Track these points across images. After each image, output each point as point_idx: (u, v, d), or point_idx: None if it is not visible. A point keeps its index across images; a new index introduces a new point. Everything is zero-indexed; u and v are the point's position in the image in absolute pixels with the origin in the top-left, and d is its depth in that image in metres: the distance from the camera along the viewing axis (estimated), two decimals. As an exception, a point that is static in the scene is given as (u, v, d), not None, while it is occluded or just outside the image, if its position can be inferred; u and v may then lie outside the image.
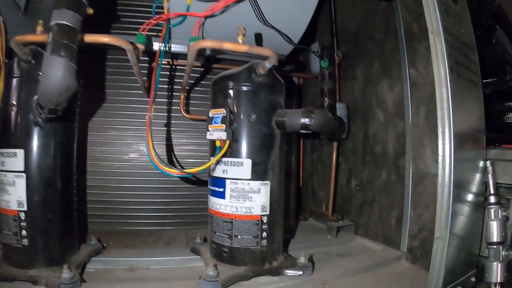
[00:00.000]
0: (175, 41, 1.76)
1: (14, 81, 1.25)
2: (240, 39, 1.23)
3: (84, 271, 1.36)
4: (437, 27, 1.32)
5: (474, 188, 1.43)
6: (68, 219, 1.36)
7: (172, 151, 2.00)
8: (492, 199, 1.42)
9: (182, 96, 1.87)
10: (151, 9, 1.61)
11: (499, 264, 1.38)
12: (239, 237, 1.31)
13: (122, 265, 1.45)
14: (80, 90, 1.43)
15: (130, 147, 1.95)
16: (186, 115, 1.91)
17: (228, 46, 1.19)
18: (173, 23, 1.57)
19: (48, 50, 0.99)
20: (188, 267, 1.48)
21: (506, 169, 1.49)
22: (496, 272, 1.38)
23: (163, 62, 1.79)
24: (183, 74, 1.69)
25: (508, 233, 1.45)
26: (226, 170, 1.32)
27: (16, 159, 1.22)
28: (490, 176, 1.43)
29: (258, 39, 1.67)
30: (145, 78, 1.66)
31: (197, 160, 2.01)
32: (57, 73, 0.97)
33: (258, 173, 1.31)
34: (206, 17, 1.50)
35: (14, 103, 1.24)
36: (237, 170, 1.30)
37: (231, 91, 1.33)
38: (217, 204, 1.34)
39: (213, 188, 1.37)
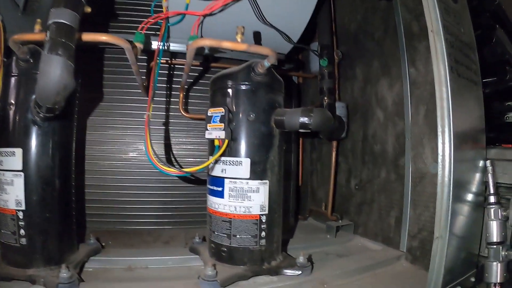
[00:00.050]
0: (174, 40, 1.76)
1: (13, 80, 1.24)
2: (238, 38, 1.23)
3: (83, 271, 1.36)
4: (437, 26, 1.32)
5: (474, 187, 1.42)
6: (67, 218, 1.35)
7: (171, 151, 1.99)
8: (492, 198, 1.42)
9: (181, 95, 1.86)
10: (149, 8, 1.60)
11: (499, 264, 1.38)
12: (238, 236, 1.30)
13: (121, 264, 1.44)
14: (79, 89, 1.43)
15: (129, 147, 1.94)
16: (185, 114, 1.90)
17: (226, 44, 1.19)
18: (172, 22, 1.56)
19: (45, 49, 0.98)
20: (187, 267, 1.47)
21: (506, 168, 1.49)
22: (496, 272, 1.37)
23: (162, 61, 1.79)
24: (182, 73, 1.68)
25: (508, 233, 1.45)
26: (225, 170, 1.31)
27: (14, 158, 1.21)
28: (490, 175, 1.42)
29: (257, 38, 1.66)
30: (144, 77, 1.66)
31: (196, 160, 2.00)
32: (54, 72, 0.97)
33: (257, 173, 1.30)
34: (205, 16, 1.50)
35: (12, 102, 1.23)
36: (236, 169, 1.30)
37: (230, 90, 1.33)
38: (215, 204, 1.34)
39: (211, 187, 1.37)
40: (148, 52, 1.77)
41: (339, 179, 2.16)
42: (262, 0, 1.53)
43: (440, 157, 1.28)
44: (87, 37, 1.15)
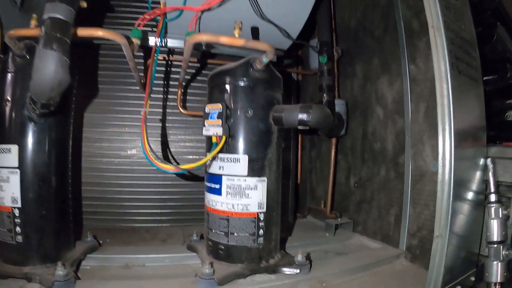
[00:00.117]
0: (172, 36, 1.75)
1: (9, 76, 1.23)
2: (236, 33, 1.21)
3: (80, 268, 1.35)
4: (437, 22, 1.31)
5: (474, 186, 1.41)
6: (63, 215, 1.34)
7: (169, 148, 1.98)
8: (493, 197, 1.41)
9: (179, 92, 1.85)
10: (147, 4, 1.59)
11: (499, 263, 1.37)
12: (235, 234, 1.29)
13: (118, 262, 1.44)
14: (76, 86, 1.42)
15: (127, 144, 1.94)
16: (183, 111, 1.89)
17: (224, 40, 1.17)
18: (170, 18, 1.55)
19: (40, 44, 0.97)
20: (184, 265, 1.46)
21: (507, 167, 1.48)
22: (496, 271, 1.37)
23: (159, 58, 1.78)
24: (180, 70, 1.67)
25: (508, 232, 1.44)
26: (223, 167, 1.30)
27: (10, 155, 1.20)
28: (490, 174, 1.42)
29: (255, 33, 1.65)
30: (141, 74, 1.65)
31: (195, 157, 1.99)
32: (49, 67, 0.96)
33: (255, 170, 1.29)
34: (202, 11, 1.48)
35: (9, 98, 1.22)
36: (233, 167, 1.29)
37: (227, 86, 1.31)
38: (213, 201, 1.33)
39: (209, 184, 1.35)
40: (146, 48, 1.76)
41: (338, 177, 2.15)
42: (261, -5, 1.52)
43: (440, 155, 1.27)
44: (83, 32, 1.13)
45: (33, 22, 1.23)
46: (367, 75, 1.95)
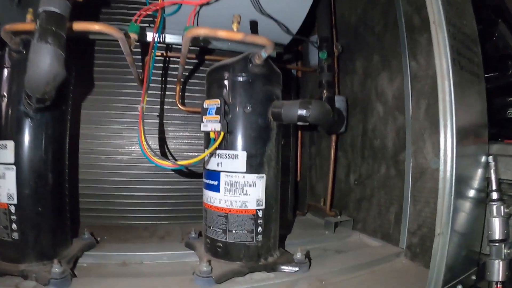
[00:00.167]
0: (170, 31, 1.73)
1: (5, 71, 1.22)
2: (234, 27, 1.20)
3: (77, 266, 1.34)
4: (439, 17, 1.28)
5: (476, 183, 1.39)
6: (60, 212, 1.34)
7: (168, 145, 1.96)
8: (495, 195, 1.40)
9: (178, 88, 1.83)
10: (145, -2, 1.57)
11: (501, 262, 1.36)
12: (233, 231, 1.28)
13: (115, 259, 1.43)
14: (73, 82, 1.41)
15: (126, 140, 1.91)
16: (181, 108, 1.87)
17: (222, 34, 1.15)
18: (168, 13, 1.53)
19: (35, 38, 0.96)
20: (182, 262, 1.46)
21: (509, 164, 1.47)
22: (498, 270, 1.35)
23: (157, 54, 1.77)
24: (178, 66, 1.65)
25: (510, 231, 1.42)
26: (221, 163, 1.29)
27: (6, 151, 1.19)
28: (492, 171, 1.40)
29: (254, 28, 1.63)
30: (140, 71, 1.63)
31: (194, 154, 1.97)
32: (44, 61, 0.94)
33: (253, 166, 1.28)
34: (201, 5, 1.47)
35: (5, 94, 1.21)
36: (231, 163, 1.27)
37: (226, 82, 1.30)
38: (211, 198, 1.32)
39: (207, 181, 1.34)
40: (144, 44, 1.74)
41: (338, 174, 2.15)
42: (260, -10, 1.50)
43: (442, 151, 1.25)
44: (79, 26, 1.12)
45: (29, 16, 1.23)
46: (367, 72, 1.93)
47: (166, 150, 1.95)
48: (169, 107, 1.93)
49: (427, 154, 1.51)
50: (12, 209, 1.19)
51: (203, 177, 1.38)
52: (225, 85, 1.30)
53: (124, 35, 1.21)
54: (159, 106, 1.92)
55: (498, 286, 1.36)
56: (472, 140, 1.40)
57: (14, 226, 1.19)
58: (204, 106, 1.29)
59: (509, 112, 1.97)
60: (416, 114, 1.58)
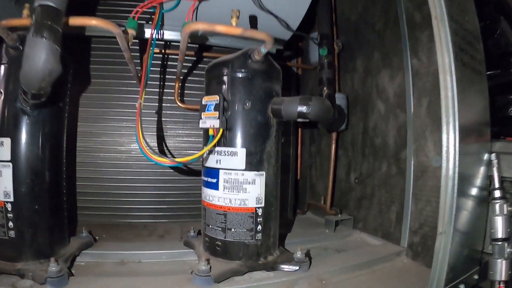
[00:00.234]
0: (168, 28, 1.72)
1: (2, 67, 1.21)
2: (233, 22, 1.18)
3: (74, 264, 1.33)
4: (440, 13, 1.27)
5: (478, 182, 1.38)
6: (57, 211, 1.33)
7: (167, 142, 1.96)
8: (497, 193, 1.38)
9: (177, 86, 1.81)
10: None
11: (503, 261, 1.34)
12: (233, 230, 1.27)
13: (113, 258, 1.42)
14: (70, 79, 1.40)
15: (124, 138, 1.91)
16: (181, 105, 1.86)
17: (220, 28, 1.13)
18: (166, 9, 1.52)
19: (30, 32, 0.94)
20: (181, 261, 1.45)
21: (512, 162, 1.45)
22: (500, 269, 1.34)
23: (156, 50, 1.75)
24: (177, 63, 1.64)
25: (513, 229, 1.41)
26: (220, 160, 1.27)
27: (2, 148, 1.18)
28: (495, 169, 1.39)
29: (253, 23, 1.62)
30: (138, 68, 1.62)
31: (194, 152, 1.94)
32: (39, 56, 0.93)
33: (253, 164, 1.26)
34: (200, 1, 1.45)
35: (1, 90, 1.20)
36: (231, 160, 1.26)
37: (225, 78, 1.28)
38: (210, 196, 1.30)
39: (206, 179, 1.33)
40: (142, 41, 1.73)
41: (338, 172, 2.13)
42: (259, -15, 1.49)
43: (444, 149, 1.23)
44: (76, 21, 1.10)
45: (26, 12, 1.21)
46: (368, 69, 1.92)
47: (165, 148, 1.94)
48: (168, 104, 1.93)
49: (429, 152, 1.49)
50: (9, 207, 1.18)
51: (202, 174, 1.36)
52: (224, 81, 1.28)
53: (122, 31, 1.19)
54: (157, 104, 1.91)
55: (501, 285, 1.34)
56: (474, 137, 1.38)
57: (10, 224, 1.18)
58: (203, 102, 1.28)
59: (510, 110, 1.96)
60: (418, 112, 1.57)
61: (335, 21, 2.07)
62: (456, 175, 1.21)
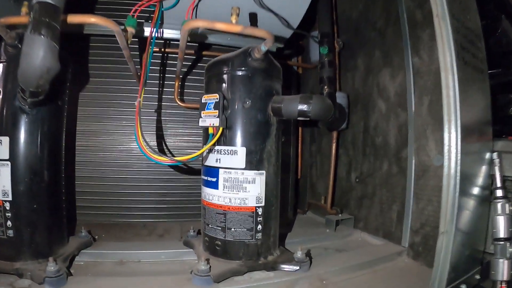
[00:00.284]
0: (168, 26, 1.71)
1: (0, 66, 1.20)
2: (233, 19, 1.17)
3: (73, 264, 1.33)
4: (442, 10, 1.27)
5: (480, 181, 1.37)
6: (56, 210, 1.32)
7: (167, 142, 1.95)
8: (499, 192, 1.37)
9: (177, 84, 1.81)
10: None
11: (505, 261, 1.33)
12: (232, 229, 1.26)
13: (112, 258, 1.41)
14: (70, 77, 1.39)
15: (124, 137, 1.90)
16: (181, 104, 1.85)
17: (220, 26, 1.13)
18: (166, 6, 1.51)
19: (28, 29, 0.94)
20: (180, 261, 1.44)
21: (514, 161, 1.44)
22: (502, 269, 1.33)
23: (155, 49, 1.74)
24: (177, 62, 1.63)
25: (515, 229, 1.40)
26: (219, 159, 1.26)
27: (0, 147, 1.18)
28: (497, 168, 1.38)
29: (253, 20, 1.61)
30: (138, 67, 1.61)
31: (194, 151, 1.93)
32: (37, 53, 0.93)
33: (253, 163, 1.25)
34: (199, -1, 1.44)
35: (0, 89, 1.19)
36: (230, 159, 1.25)
37: (225, 76, 1.28)
38: (209, 195, 1.29)
39: (205, 178, 1.32)
40: (142, 39, 1.72)
41: (339, 172, 2.12)
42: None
43: (446, 148, 1.22)
44: (74, 19, 1.10)
45: (24, 9, 1.20)
46: (368, 68, 1.91)
47: (165, 147, 1.93)
48: (168, 103, 1.92)
49: (430, 151, 1.48)
50: (7, 206, 1.17)
51: (202, 173, 1.36)
52: (224, 79, 1.28)
53: (121, 30, 1.18)
54: (157, 103, 1.91)
55: (503, 285, 1.33)
56: (476, 136, 1.38)
57: (9, 223, 1.18)
58: (203, 100, 1.27)
59: (512, 109, 1.95)
60: (419, 111, 1.56)
61: (336, 20, 2.06)
62: (458, 174, 1.21)
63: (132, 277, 1.27)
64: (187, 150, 1.95)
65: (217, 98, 1.21)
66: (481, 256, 1.46)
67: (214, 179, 1.27)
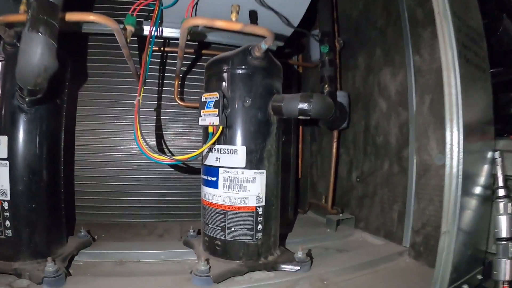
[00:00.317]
0: (167, 24, 1.70)
1: (-1, 64, 1.19)
2: (233, 17, 1.16)
3: (72, 264, 1.32)
4: (443, 8, 1.26)
5: (482, 180, 1.37)
6: (55, 210, 1.32)
7: (167, 141, 1.94)
8: (501, 192, 1.37)
9: (176, 83, 1.80)
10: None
11: (507, 261, 1.33)
12: (232, 229, 1.25)
13: (112, 258, 1.41)
14: (69, 76, 1.39)
15: (124, 137, 1.90)
16: (180, 103, 1.85)
17: (220, 23, 1.12)
18: (165, 5, 1.50)
19: (26, 27, 0.93)
20: (180, 261, 1.44)
21: (516, 161, 1.43)
22: (505, 269, 1.33)
23: (155, 48, 1.74)
24: (176, 61, 1.63)
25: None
26: (219, 158, 1.26)
27: (-1, 146, 1.17)
28: (499, 168, 1.37)
29: (253, 18, 1.60)
30: (137, 66, 1.60)
31: (194, 151, 1.93)
32: (35, 51, 0.92)
33: (253, 162, 1.25)
34: (199, -3, 1.44)
35: (-2, 88, 1.18)
36: (230, 158, 1.24)
37: (225, 75, 1.27)
38: (209, 194, 1.29)
39: (205, 177, 1.31)
40: (141, 38, 1.71)
41: (340, 171, 2.12)
42: (260, -19, 1.47)
43: (448, 147, 1.21)
44: (73, 16, 1.09)
45: (22, 7, 1.20)
46: (369, 67, 1.90)
47: (164, 147, 1.92)
48: (167, 102, 1.91)
49: (431, 150, 1.48)
50: (5, 205, 1.17)
51: (202, 173, 1.35)
52: (224, 78, 1.27)
53: (121, 28, 1.18)
54: (157, 102, 1.90)
55: (505, 285, 1.33)
56: (478, 135, 1.37)
57: (7, 223, 1.17)
58: (202, 99, 1.26)
59: (513, 108, 1.94)
60: (420, 110, 1.55)
61: (336, 18, 2.05)
62: (460, 173, 1.20)
63: (131, 277, 1.26)
64: (186, 149, 1.94)
65: (217, 97, 1.20)
66: (483, 256, 1.46)
67: (214, 179, 1.26)
